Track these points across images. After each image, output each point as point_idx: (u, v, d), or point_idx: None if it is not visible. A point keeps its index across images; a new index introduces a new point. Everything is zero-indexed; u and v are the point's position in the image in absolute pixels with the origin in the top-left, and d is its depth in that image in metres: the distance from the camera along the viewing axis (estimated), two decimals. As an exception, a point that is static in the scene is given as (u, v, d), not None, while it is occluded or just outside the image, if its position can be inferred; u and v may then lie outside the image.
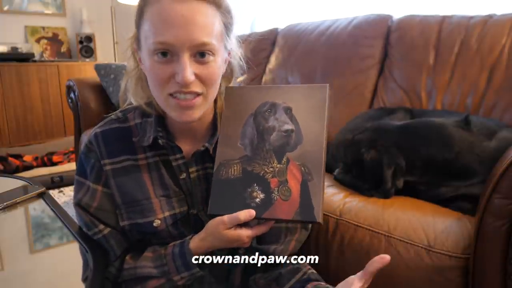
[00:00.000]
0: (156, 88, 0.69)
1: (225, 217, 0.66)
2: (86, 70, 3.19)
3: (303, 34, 1.85)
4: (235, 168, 0.70)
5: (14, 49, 3.02)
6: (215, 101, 0.79)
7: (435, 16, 1.51)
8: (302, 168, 0.68)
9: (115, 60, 3.17)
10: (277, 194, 0.66)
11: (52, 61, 3.23)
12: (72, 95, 2.16)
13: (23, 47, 3.12)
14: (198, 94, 0.68)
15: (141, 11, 0.68)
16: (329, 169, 1.27)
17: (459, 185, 0.97)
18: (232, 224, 0.66)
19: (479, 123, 1.01)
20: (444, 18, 1.48)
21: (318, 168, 0.67)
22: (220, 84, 0.79)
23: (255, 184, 0.68)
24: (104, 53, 3.59)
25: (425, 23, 1.50)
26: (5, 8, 3.17)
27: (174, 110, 0.69)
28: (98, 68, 2.13)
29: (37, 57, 3.17)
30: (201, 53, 0.66)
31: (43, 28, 3.35)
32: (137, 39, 0.71)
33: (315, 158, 0.68)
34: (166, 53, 0.65)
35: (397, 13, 1.65)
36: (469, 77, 1.35)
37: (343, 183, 1.13)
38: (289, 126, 0.69)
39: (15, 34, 3.24)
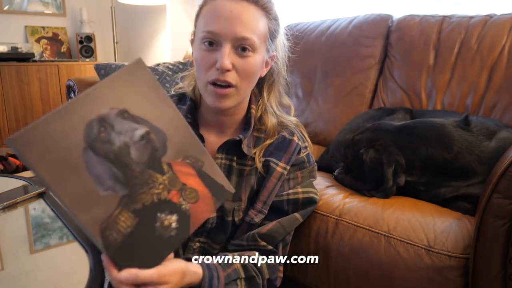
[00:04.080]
0: (199, 73, 0.78)
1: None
2: (86, 70, 3.19)
3: (303, 34, 1.85)
4: (123, 218, 0.52)
5: (14, 49, 3.02)
6: (250, 103, 0.86)
7: (435, 16, 1.51)
8: (188, 161, 0.58)
9: (115, 60, 3.17)
10: (186, 203, 0.57)
11: (52, 61, 3.22)
12: (72, 95, 2.16)
13: (23, 47, 3.12)
14: (232, 86, 0.75)
15: (200, 10, 0.79)
16: (329, 169, 1.28)
17: (459, 185, 0.97)
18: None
19: (479, 123, 1.01)
20: (444, 18, 1.48)
21: (199, 148, 0.60)
22: (263, 93, 0.87)
23: (158, 214, 0.55)
24: (104, 53, 3.59)
25: (425, 23, 1.50)
26: (5, 8, 3.16)
27: (210, 96, 0.77)
28: (98, 68, 2.13)
29: (37, 57, 3.17)
30: (242, 48, 0.74)
31: (43, 28, 3.35)
32: (193, 34, 0.82)
33: (189, 142, 0.58)
34: (212, 43, 0.74)
35: (397, 13, 1.65)
36: (469, 77, 1.35)
37: (343, 183, 1.13)
38: (141, 130, 0.54)
39: (15, 34, 3.23)
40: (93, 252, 0.69)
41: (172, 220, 0.56)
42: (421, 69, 1.46)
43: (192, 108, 0.86)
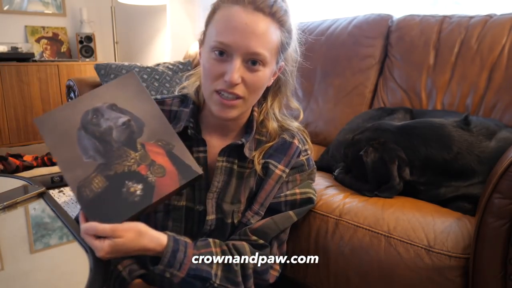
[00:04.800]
0: (206, 81, 0.77)
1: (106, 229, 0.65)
2: (86, 70, 3.18)
3: (303, 34, 1.85)
4: (97, 180, 0.67)
5: (14, 49, 3.02)
6: (253, 106, 0.85)
7: (435, 16, 1.51)
8: (159, 143, 0.70)
9: (115, 60, 3.17)
10: (152, 176, 0.68)
11: (52, 61, 3.22)
12: (72, 95, 2.16)
13: (23, 47, 3.12)
14: (239, 97, 0.75)
15: (213, 12, 0.77)
16: (329, 169, 1.28)
17: (459, 185, 0.97)
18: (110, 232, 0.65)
19: (479, 123, 1.01)
20: (444, 18, 1.48)
21: (172, 135, 0.72)
22: (267, 99, 0.87)
23: (126, 181, 0.67)
24: (104, 53, 3.58)
25: (425, 23, 1.50)
26: (5, 8, 3.16)
27: (215, 105, 0.77)
28: (98, 68, 2.13)
29: (37, 57, 3.17)
30: (253, 61, 0.73)
31: (43, 28, 3.35)
32: (203, 35, 0.80)
33: (163, 129, 0.71)
34: (223, 52, 0.73)
35: (397, 13, 1.65)
36: (469, 77, 1.35)
37: (343, 183, 1.13)
38: (124, 118, 0.70)
39: (15, 34, 3.23)
40: (93, 252, 0.69)
41: (137, 188, 0.67)
42: (421, 69, 1.46)
43: (194, 111, 0.85)
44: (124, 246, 0.65)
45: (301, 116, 0.93)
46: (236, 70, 0.72)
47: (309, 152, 0.90)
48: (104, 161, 0.68)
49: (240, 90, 0.74)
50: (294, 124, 0.90)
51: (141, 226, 0.67)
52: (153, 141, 0.70)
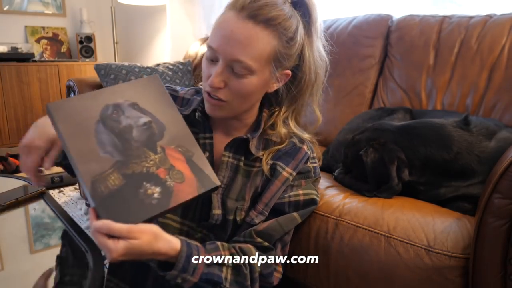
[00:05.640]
0: (203, 80, 0.80)
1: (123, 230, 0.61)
2: (86, 70, 3.19)
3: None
4: (113, 177, 0.63)
5: (14, 49, 3.02)
6: (262, 107, 0.86)
7: (435, 16, 1.51)
8: (180, 149, 0.69)
9: (115, 60, 3.17)
10: (171, 181, 0.65)
11: (52, 61, 3.22)
12: (72, 95, 2.16)
13: (23, 47, 3.12)
14: (222, 100, 0.76)
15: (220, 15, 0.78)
16: (329, 169, 1.28)
17: (459, 185, 0.97)
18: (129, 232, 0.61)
19: (478, 123, 1.01)
20: (444, 18, 1.48)
21: (192, 142, 0.71)
22: (281, 107, 0.86)
23: (144, 183, 0.64)
24: (104, 53, 3.58)
25: (425, 23, 1.50)
26: (5, 8, 3.16)
27: (206, 102, 0.80)
28: (98, 68, 2.13)
29: (37, 57, 3.17)
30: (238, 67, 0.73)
31: (43, 28, 3.35)
32: None
33: (183, 136, 0.70)
34: (213, 56, 0.75)
35: (397, 13, 1.66)
36: (469, 77, 1.35)
37: (343, 183, 1.13)
38: (145, 119, 0.68)
39: (15, 34, 3.23)
40: (93, 252, 0.69)
41: (155, 191, 0.64)
42: (421, 69, 1.46)
43: None
44: (139, 249, 0.61)
45: (318, 123, 0.91)
46: (216, 75, 0.73)
47: (316, 161, 0.90)
48: (121, 158, 0.64)
49: (222, 94, 0.75)
50: (305, 136, 0.89)
51: (155, 228, 0.64)
52: (173, 146, 0.68)
